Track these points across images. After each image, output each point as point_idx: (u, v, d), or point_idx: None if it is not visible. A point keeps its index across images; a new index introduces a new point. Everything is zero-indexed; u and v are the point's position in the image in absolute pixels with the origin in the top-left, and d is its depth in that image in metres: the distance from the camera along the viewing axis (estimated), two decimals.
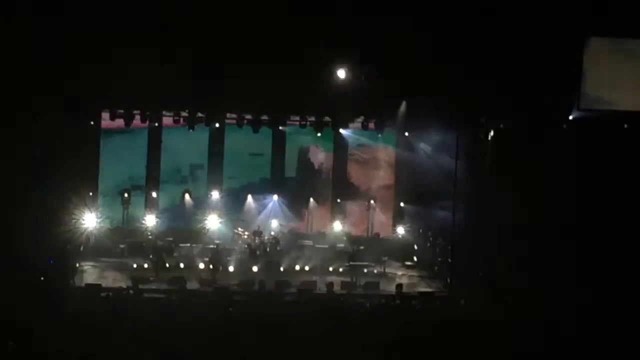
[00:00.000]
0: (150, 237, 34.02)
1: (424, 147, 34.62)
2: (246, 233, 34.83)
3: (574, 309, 24.30)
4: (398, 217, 35.95)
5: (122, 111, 33.98)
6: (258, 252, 33.95)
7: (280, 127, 36.45)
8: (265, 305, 25.82)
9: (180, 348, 19.68)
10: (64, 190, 29.86)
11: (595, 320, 22.81)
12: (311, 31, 28.79)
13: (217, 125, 35.71)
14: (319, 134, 36.22)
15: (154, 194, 36.42)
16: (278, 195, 37.00)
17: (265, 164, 37.73)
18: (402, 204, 36.48)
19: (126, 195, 35.88)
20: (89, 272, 31.62)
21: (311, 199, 37.73)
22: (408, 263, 34.60)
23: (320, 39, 28.81)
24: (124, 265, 32.56)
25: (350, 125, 36.45)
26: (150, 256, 32.36)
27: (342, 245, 35.37)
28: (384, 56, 29.60)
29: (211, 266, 31.81)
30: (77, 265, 31.72)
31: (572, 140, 29.92)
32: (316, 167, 38.56)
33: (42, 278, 27.35)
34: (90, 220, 32.10)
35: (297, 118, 35.46)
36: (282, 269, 33.14)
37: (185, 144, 36.38)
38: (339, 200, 37.81)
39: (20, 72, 27.75)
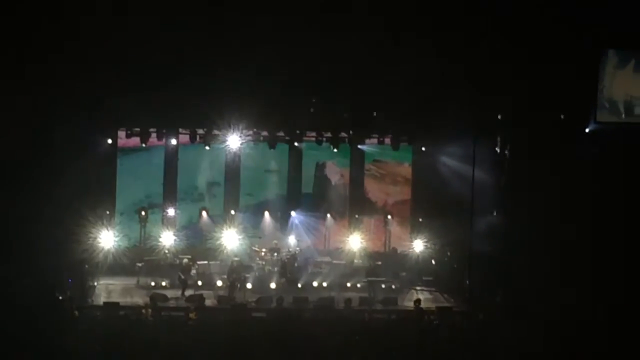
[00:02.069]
0: (168, 255, 33.95)
1: (441, 161, 34.50)
2: (263, 250, 34.69)
3: (594, 322, 24.16)
4: (415, 232, 35.80)
5: (138, 129, 34.11)
6: (275, 269, 33.83)
7: (297, 144, 36.44)
8: (283, 321, 25.72)
9: None
10: (81, 208, 29.88)
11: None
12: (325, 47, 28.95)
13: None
14: (335, 150, 36.20)
15: (171, 212, 36.34)
16: (295, 212, 36.89)
17: (282, 180, 37.59)
18: (420, 219, 36.34)
19: (143, 213, 35.72)
20: (107, 291, 31.58)
21: (328, 215, 37.56)
22: (426, 278, 34.41)
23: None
24: (142, 284, 32.55)
25: (367, 141, 36.48)
26: (180, 275, 32.23)
27: (359, 261, 35.20)
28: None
29: (229, 283, 31.75)
30: (95, 284, 31.74)
31: (590, 152, 29.83)
32: (333, 183, 38.43)
33: (60, 297, 27.36)
34: (107, 239, 32.11)
35: (314, 134, 35.47)
36: (299, 285, 33.06)
37: (201, 161, 36.39)
38: (356, 216, 37.70)
39: (38, 85, 27.77)
